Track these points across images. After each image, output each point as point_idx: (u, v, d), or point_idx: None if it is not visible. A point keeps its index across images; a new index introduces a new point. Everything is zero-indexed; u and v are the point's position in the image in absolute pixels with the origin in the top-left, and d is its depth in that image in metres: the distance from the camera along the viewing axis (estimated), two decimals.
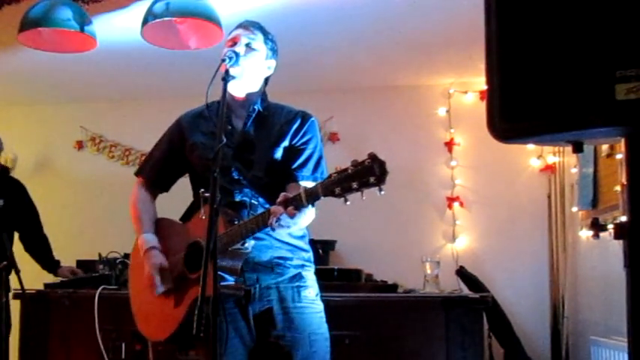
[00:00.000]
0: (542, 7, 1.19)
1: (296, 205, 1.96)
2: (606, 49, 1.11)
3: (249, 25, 2.36)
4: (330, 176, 1.90)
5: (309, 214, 2.08)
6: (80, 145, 5.29)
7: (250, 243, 2.14)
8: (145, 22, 2.98)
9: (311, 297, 2.28)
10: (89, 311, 3.65)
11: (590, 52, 1.12)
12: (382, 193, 1.81)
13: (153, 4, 2.96)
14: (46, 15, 2.96)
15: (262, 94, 2.39)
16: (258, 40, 2.33)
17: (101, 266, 4.15)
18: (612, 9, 1.11)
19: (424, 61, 4.38)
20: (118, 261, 4.13)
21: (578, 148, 1.25)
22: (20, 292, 3.57)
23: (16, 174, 5.34)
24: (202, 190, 2.19)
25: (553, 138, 1.23)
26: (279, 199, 2.00)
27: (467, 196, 4.65)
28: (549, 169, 4.50)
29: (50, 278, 4.10)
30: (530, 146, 4.36)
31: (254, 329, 2.24)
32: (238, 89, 2.33)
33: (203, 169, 2.32)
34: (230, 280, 2.12)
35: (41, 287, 3.99)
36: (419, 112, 4.78)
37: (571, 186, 4.17)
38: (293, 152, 2.30)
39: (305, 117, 2.36)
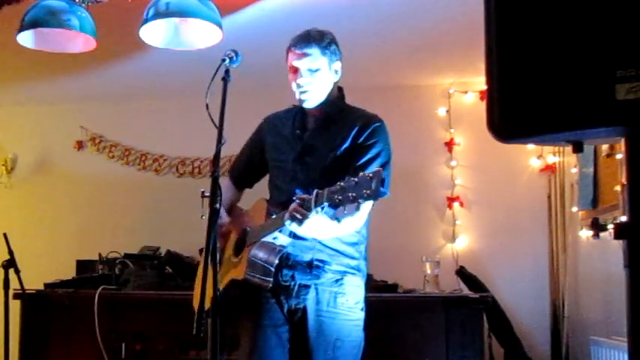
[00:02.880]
0: (542, 8, 1.19)
1: (305, 206, 2.00)
2: (606, 49, 1.11)
3: (302, 47, 2.35)
4: (337, 183, 1.94)
5: (324, 223, 2.11)
6: (80, 145, 5.28)
7: (284, 240, 2.20)
8: (144, 21, 2.98)
9: (347, 304, 2.31)
10: (89, 311, 3.65)
11: (590, 52, 1.12)
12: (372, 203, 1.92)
13: (153, 3, 2.96)
14: (46, 15, 2.96)
15: (334, 97, 2.42)
16: (317, 59, 2.34)
17: (101, 266, 4.15)
18: (612, 9, 1.11)
19: (424, 61, 4.37)
20: (118, 261, 4.13)
21: (578, 148, 1.25)
22: (20, 292, 3.58)
23: (16, 174, 5.37)
24: (202, 190, 2.23)
25: (553, 138, 1.23)
26: (295, 198, 2.08)
27: (467, 196, 4.64)
28: (549, 169, 4.49)
29: (50, 278, 4.10)
30: (530, 146, 4.35)
31: (289, 322, 2.32)
32: (313, 105, 2.40)
33: (273, 170, 2.48)
34: (259, 274, 2.22)
35: (41, 287, 3.99)
36: (419, 112, 4.78)
37: (571, 186, 4.17)
38: (357, 152, 2.32)
39: (368, 121, 2.37)
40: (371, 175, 1.86)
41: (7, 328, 3.53)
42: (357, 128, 2.34)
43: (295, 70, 2.36)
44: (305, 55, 2.34)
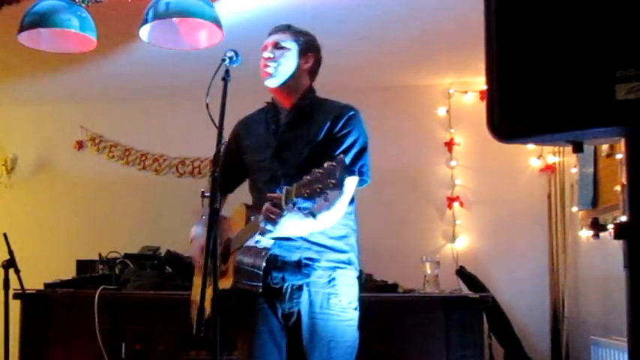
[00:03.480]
0: (542, 8, 1.19)
1: (276, 204, 1.99)
2: (606, 49, 1.11)
3: (277, 29, 2.45)
4: (303, 177, 1.92)
5: (299, 220, 2.11)
6: (80, 145, 5.28)
7: (266, 242, 2.17)
8: (144, 21, 2.98)
9: (341, 305, 2.28)
10: (89, 311, 3.65)
11: (590, 52, 1.12)
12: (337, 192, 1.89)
13: (153, 4, 2.96)
14: (46, 15, 2.96)
15: (306, 89, 2.43)
16: (285, 40, 2.40)
17: (101, 266, 4.15)
18: (612, 9, 1.11)
19: (424, 61, 4.37)
20: (118, 261, 4.13)
21: (578, 148, 1.25)
22: (20, 292, 3.58)
23: (16, 174, 5.37)
24: (202, 190, 2.23)
25: (553, 138, 1.23)
26: (268, 198, 2.05)
27: (467, 196, 4.64)
28: (549, 169, 4.49)
29: (50, 278, 4.10)
30: (530, 146, 4.35)
31: (284, 326, 2.30)
32: (280, 89, 2.39)
33: (253, 171, 2.44)
34: (247, 280, 2.18)
35: (41, 287, 3.99)
36: (419, 112, 4.78)
37: (571, 186, 4.17)
38: (332, 144, 2.31)
39: (342, 111, 2.37)
40: (334, 164, 1.84)
41: (7, 328, 3.53)
42: (331, 119, 2.33)
43: (265, 49, 2.41)
44: (275, 33, 2.43)
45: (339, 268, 2.31)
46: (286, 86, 2.40)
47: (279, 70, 2.36)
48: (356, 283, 2.38)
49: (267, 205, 2.04)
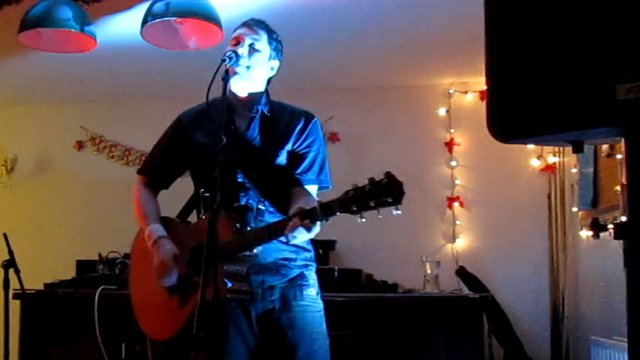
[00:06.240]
0: (543, 8, 1.19)
1: (311, 218, 1.96)
2: (607, 49, 1.11)
3: (253, 25, 2.35)
4: (347, 192, 1.89)
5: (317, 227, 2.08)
6: (80, 145, 5.28)
7: (258, 248, 2.15)
8: (144, 22, 2.98)
9: (312, 295, 2.29)
10: (89, 311, 3.65)
11: (591, 52, 1.13)
12: (398, 213, 1.83)
13: (153, 3, 2.97)
14: (46, 15, 2.96)
15: (266, 94, 2.38)
16: (261, 41, 2.32)
17: (101, 266, 4.15)
18: (612, 10, 1.11)
19: (424, 61, 4.37)
20: (118, 261, 4.13)
21: (578, 148, 1.25)
22: (20, 292, 3.58)
23: (16, 174, 5.37)
24: (202, 190, 2.20)
25: (553, 138, 1.23)
26: (294, 212, 2.01)
27: (467, 196, 4.65)
28: (549, 169, 4.49)
29: (50, 278, 4.10)
30: (530, 146, 4.35)
31: (257, 329, 2.25)
32: (241, 88, 2.32)
33: (207, 169, 2.25)
34: (230, 284, 2.10)
35: (41, 287, 3.99)
36: (419, 112, 4.78)
37: (571, 186, 4.17)
38: (297, 156, 2.31)
39: (308, 118, 2.35)
40: (386, 180, 1.82)
41: (7, 328, 3.52)
42: (300, 124, 2.32)
43: (237, 42, 2.30)
44: (254, 31, 2.32)
45: (309, 265, 2.34)
46: (249, 88, 2.32)
47: (248, 72, 2.26)
48: (317, 277, 2.38)
49: (294, 221, 1.98)
